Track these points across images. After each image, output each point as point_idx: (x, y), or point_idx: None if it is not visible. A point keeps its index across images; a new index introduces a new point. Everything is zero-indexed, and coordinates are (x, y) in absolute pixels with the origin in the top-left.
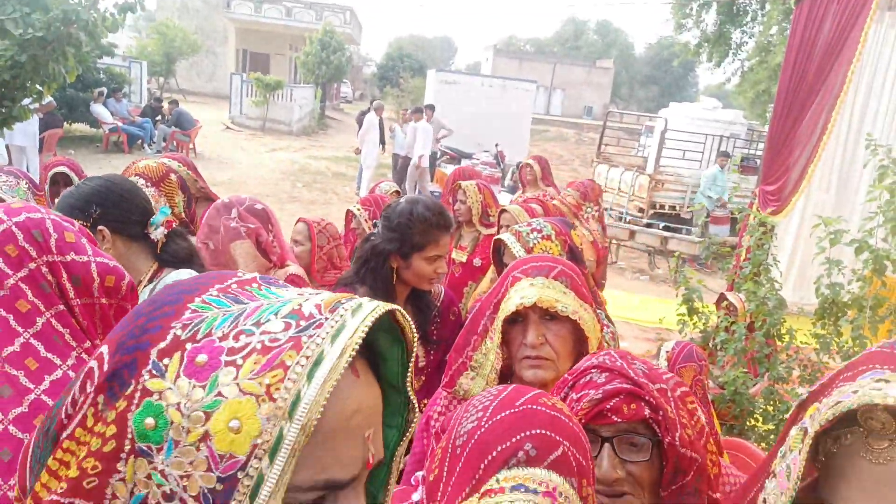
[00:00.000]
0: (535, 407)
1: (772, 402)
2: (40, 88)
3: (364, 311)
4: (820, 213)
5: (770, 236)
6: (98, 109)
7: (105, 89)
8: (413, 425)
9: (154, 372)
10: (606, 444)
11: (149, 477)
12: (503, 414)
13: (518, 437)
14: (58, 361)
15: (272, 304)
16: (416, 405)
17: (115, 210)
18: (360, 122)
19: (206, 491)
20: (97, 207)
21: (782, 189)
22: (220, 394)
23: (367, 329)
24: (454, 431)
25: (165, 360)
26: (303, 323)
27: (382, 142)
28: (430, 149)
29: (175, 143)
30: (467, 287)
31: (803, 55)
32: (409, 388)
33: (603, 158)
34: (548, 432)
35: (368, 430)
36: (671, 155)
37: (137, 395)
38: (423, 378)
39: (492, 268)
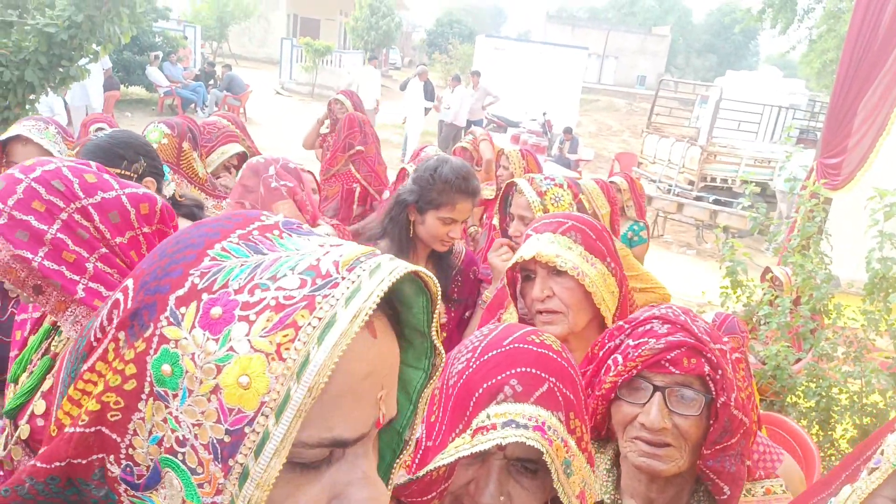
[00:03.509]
0: (521, 346)
1: (814, 380)
2: (97, 49)
3: (382, 272)
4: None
5: (822, 208)
6: (153, 73)
7: (160, 53)
8: (438, 370)
9: (171, 320)
10: (658, 394)
11: (164, 420)
12: (491, 354)
13: (503, 374)
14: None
15: (290, 256)
16: (443, 351)
17: (154, 162)
18: (403, 90)
19: (214, 441)
20: (144, 159)
21: (845, 163)
22: (231, 349)
23: (382, 293)
24: (447, 372)
25: (182, 309)
26: (319, 281)
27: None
28: (476, 116)
29: (227, 108)
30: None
31: (870, 23)
32: (434, 335)
33: (653, 129)
34: (533, 369)
35: (381, 392)
36: (726, 126)
37: (156, 339)
38: (445, 335)
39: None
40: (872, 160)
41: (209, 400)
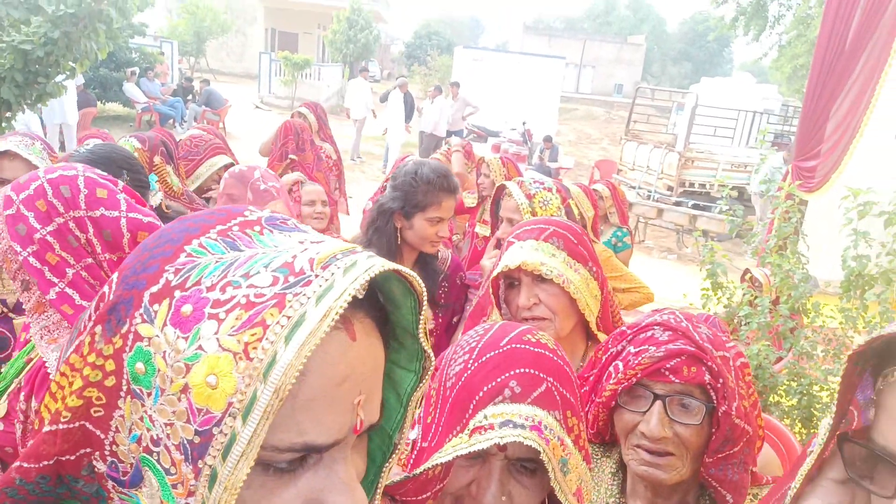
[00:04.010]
0: (519, 346)
1: (795, 378)
2: (73, 65)
3: (357, 270)
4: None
5: (798, 209)
6: (130, 89)
7: (137, 69)
8: (428, 373)
9: (145, 317)
10: (658, 402)
11: (141, 419)
12: (489, 355)
13: (503, 376)
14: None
15: (266, 253)
16: (432, 354)
17: (138, 176)
18: (384, 101)
19: (185, 442)
20: (126, 173)
21: (821, 166)
22: (200, 347)
23: (355, 290)
24: (444, 374)
25: (155, 307)
26: (291, 279)
27: (409, 118)
28: (456, 126)
29: (206, 122)
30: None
31: (839, 28)
32: (422, 337)
33: (632, 136)
34: (531, 370)
35: (359, 397)
36: (702, 132)
37: (131, 336)
38: (432, 340)
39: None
40: (846, 162)
41: (179, 399)
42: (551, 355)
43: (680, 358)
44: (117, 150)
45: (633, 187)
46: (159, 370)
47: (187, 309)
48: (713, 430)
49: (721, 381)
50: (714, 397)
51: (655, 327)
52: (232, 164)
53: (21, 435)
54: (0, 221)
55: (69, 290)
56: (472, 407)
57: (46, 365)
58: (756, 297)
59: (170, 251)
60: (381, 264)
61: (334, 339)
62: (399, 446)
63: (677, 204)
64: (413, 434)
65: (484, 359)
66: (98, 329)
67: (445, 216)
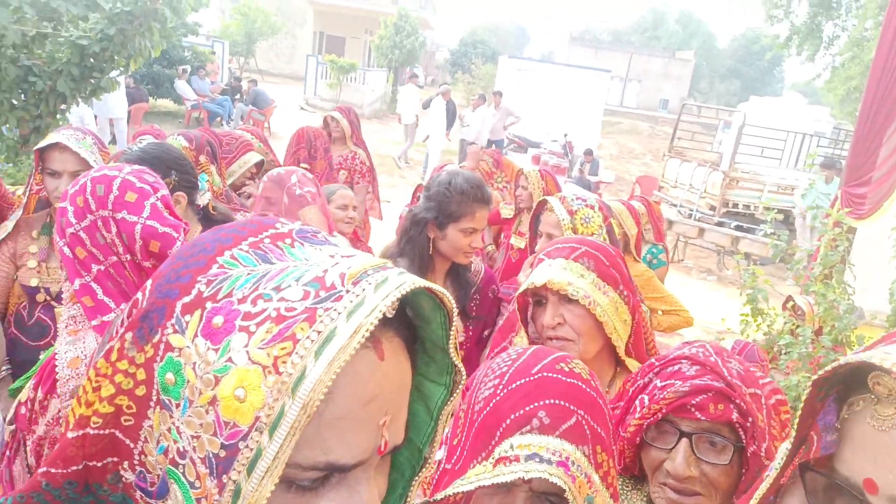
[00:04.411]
0: (551, 374)
1: None
2: (127, 61)
3: (388, 287)
4: None
5: (846, 237)
6: (181, 86)
7: (189, 67)
8: (459, 387)
9: (177, 327)
10: (684, 440)
11: (169, 430)
12: (519, 382)
13: (532, 405)
14: (112, 305)
15: (298, 266)
16: (462, 369)
17: (186, 176)
18: (426, 108)
19: (211, 455)
20: (176, 174)
21: (872, 192)
22: (230, 359)
23: (386, 307)
24: (473, 397)
25: (187, 317)
26: (322, 294)
27: (450, 126)
28: (497, 135)
29: (251, 122)
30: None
31: None
32: (453, 352)
33: (675, 153)
34: (562, 402)
35: (384, 418)
36: (749, 152)
37: (162, 346)
38: (462, 353)
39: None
40: None
41: (207, 412)
42: (584, 386)
43: (707, 394)
44: (168, 151)
45: (675, 205)
46: (189, 381)
47: (218, 320)
48: (743, 470)
49: (750, 420)
50: (743, 436)
51: (683, 361)
52: (262, 161)
53: (28, 421)
54: (57, 213)
55: (93, 284)
56: (498, 434)
57: (56, 357)
58: (798, 327)
59: (203, 261)
60: (411, 281)
61: (363, 358)
62: (429, 460)
63: (719, 224)
64: (439, 454)
65: (514, 385)
66: (129, 336)
67: (479, 227)
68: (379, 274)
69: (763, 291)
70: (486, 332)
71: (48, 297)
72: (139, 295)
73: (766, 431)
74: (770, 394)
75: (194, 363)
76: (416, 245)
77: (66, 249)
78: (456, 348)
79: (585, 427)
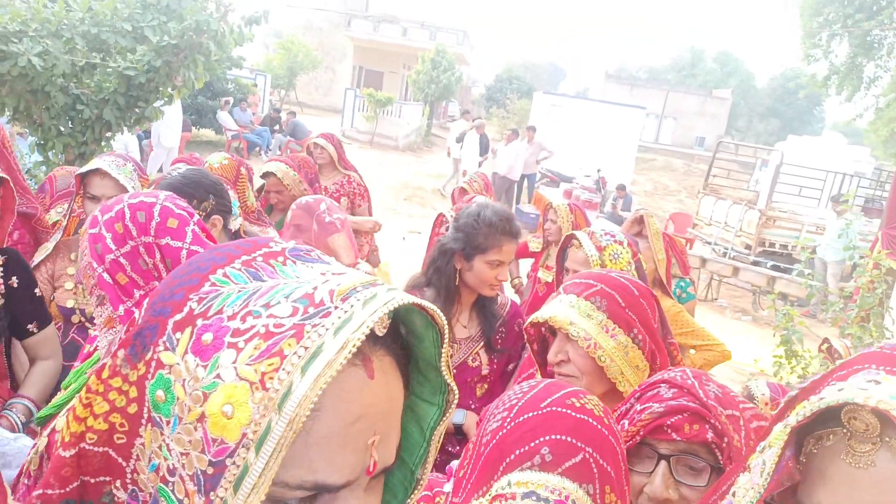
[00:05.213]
0: (559, 409)
1: None
2: (171, 92)
3: (376, 303)
4: None
5: (884, 280)
6: (223, 117)
7: (231, 99)
8: (452, 407)
9: (167, 344)
10: (662, 462)
11: (160, 448)
12: (526, 416)
13: (537, 441)
14: None
15: (288, 284)
16: (455, 389)
17: (223, 201)
18: (459, 142)
19: (199, 472)
20: (213, 198)
21: None
22: (218, 376)
23: (374, 323)
24: (482, 429)
25: (178, 334)
26: (311, 310)
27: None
28: (530, 170)
29: (289, 152)
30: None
31: None
32: (445, 370)
33: (710, 190)
34: (568, 438)
35: (373, 437)
36: (786, 191)
37: (154, 363)
38: (486, 386)
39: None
40: None
41: (195, 429)
42: (595, 423)
43: (682, 415)
44: (206, 176)
45: (709, 243)
46: (178, 398)
47: (208, 337)
48: None
49: (726, 440)
50: (720, 457)
51: (662, 385)
52: None
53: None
54: (85, 239)
55: (136, 309)
56: (501, 469)
57: None
58: None
59: (196, 279)
60: (400, 297)
61: (351, 376)
62: (422, 482)
63: (755, 263)
64: (447, 486)
65: (521, 419)
66: (121, 353)
67: (506, 260)
68: (368, 290)
69: (798, 333)
70: (510, 366)
71: (83, 319)
72: (137, 313)
73: (742, 451)
74: (752, 418)
75: (184, 380)
76: (442, 275)
77: (105, 276)
78: (448, 366)
79: (593, 465)
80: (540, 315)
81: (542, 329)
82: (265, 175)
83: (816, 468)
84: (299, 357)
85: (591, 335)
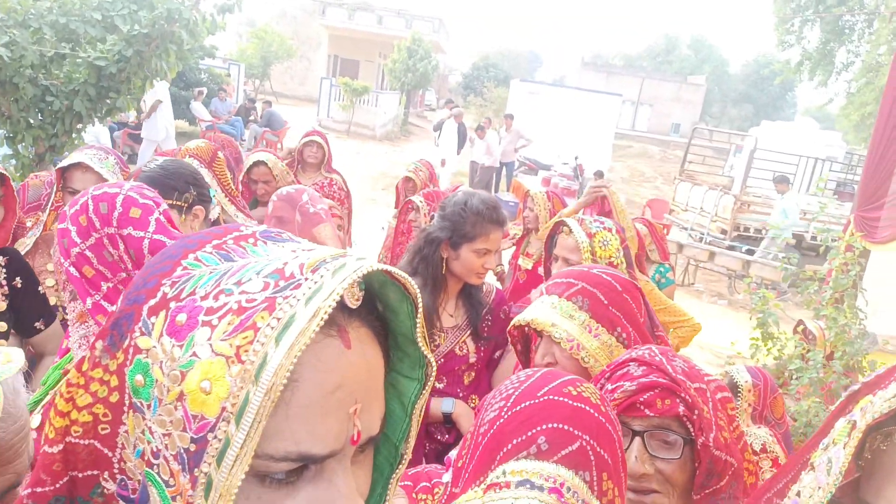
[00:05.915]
0: (556, 398)
1: None
2: (143, 83)
3: (345, 272)
4: None
5: (857, 262)
6: (197, 107)
7: (205, 89)
8: (430, 380)
9: (143, 329)
10: (637, 438)
11: (143, 433)
12: (523, 405)
13: (534, 430)
14: None
15: (259, 261)
16: (433, 361)
17: (203, 191)
18: (437, 130)
19: (182, 451)
20: (193, 189)
21: (885, 217)
22: (194, 354)
23: (343, 290)
24: (480, 419)
25: (153, 319)
26: (282, 283)
27: (460, 148)
28: (508, 158)
29: (265, 143)
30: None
31: None
32: (422, 342)
33: (686, 176)
34: (565, 426)
35: (354, 406)
36: (760, 176)
37: (131, 350)
38: (474, 374)
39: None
40: None
41: (175, 408)
42: (592, 411)
43: (653, 391)
44: (185, 167)
45: (685, 228)
46: (157, 380)
47: (182, 318)
48: (696, 464)
49: (696, 412)
50: (691, 429)
51: (631, 363)
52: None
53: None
54: (57, 234)
55: (104, 302)
56: (497, 458)
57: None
58: (809, 351)
59: (168, 266)
60: (368, 264)
61: (328, 347)
62: (405, 457)
63: (730, 248)
64: (446, 477)
65: (518, 408)
66: (99, 344)
67: (492, 248)
68: (337, 261)
69: (773, 315)
70: (497, 353)
71: (65, 316)
72: (116, 306)
73: (712, 422)
74: (716, 390)
75: (161, 362)
76: (429, 264)
77: (72, 269)
78: (425, 338)
79: (590, 452)
80: (522, 318)
81: (526, 329)
82: (255, 164)
83: (886, 465)
84: (272, 328)
85: (574, 336)
